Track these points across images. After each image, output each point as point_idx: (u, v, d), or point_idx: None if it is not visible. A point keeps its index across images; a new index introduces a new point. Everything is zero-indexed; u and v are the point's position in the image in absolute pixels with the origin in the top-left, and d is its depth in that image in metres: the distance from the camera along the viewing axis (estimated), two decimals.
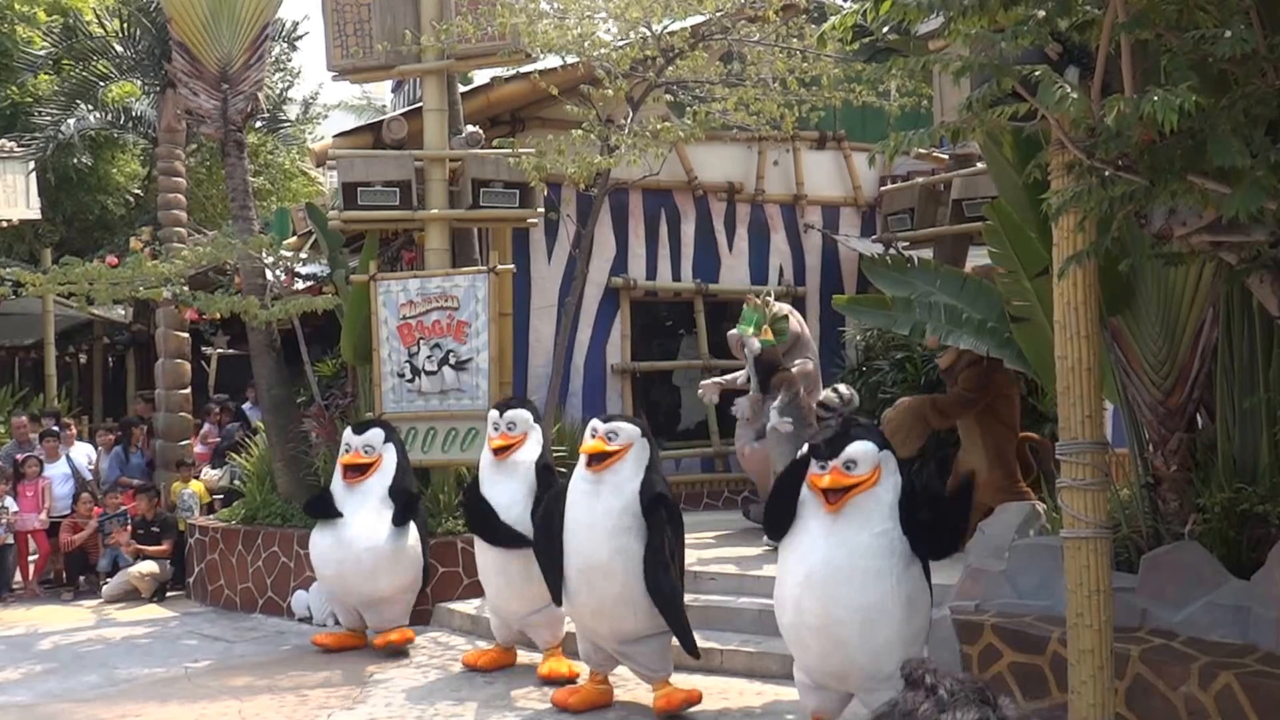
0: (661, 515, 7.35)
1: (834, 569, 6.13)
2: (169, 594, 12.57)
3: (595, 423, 7.53)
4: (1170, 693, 5.60)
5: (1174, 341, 6.43)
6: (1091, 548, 5.37)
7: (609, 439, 7.33)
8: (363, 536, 9.55)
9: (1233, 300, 6.30)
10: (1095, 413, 5.43)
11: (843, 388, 10.60)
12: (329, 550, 9.66)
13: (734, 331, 11.14)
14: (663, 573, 7.29)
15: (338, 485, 9.80)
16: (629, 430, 7.42)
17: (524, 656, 8.92)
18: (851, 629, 6.07)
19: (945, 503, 6.87)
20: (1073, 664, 5.43)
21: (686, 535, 11.05)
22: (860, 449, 6.21)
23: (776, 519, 6.58)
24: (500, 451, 8.55)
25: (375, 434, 9.84)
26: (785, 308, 11.52)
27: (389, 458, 9.79)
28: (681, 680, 8.16)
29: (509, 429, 8.59)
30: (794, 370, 10.53)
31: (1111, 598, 5.41)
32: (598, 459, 7.31)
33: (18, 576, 13.14)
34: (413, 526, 9.78)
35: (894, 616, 6.08)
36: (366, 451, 9.72)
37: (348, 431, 9.98)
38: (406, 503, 9.74)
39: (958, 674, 1.84)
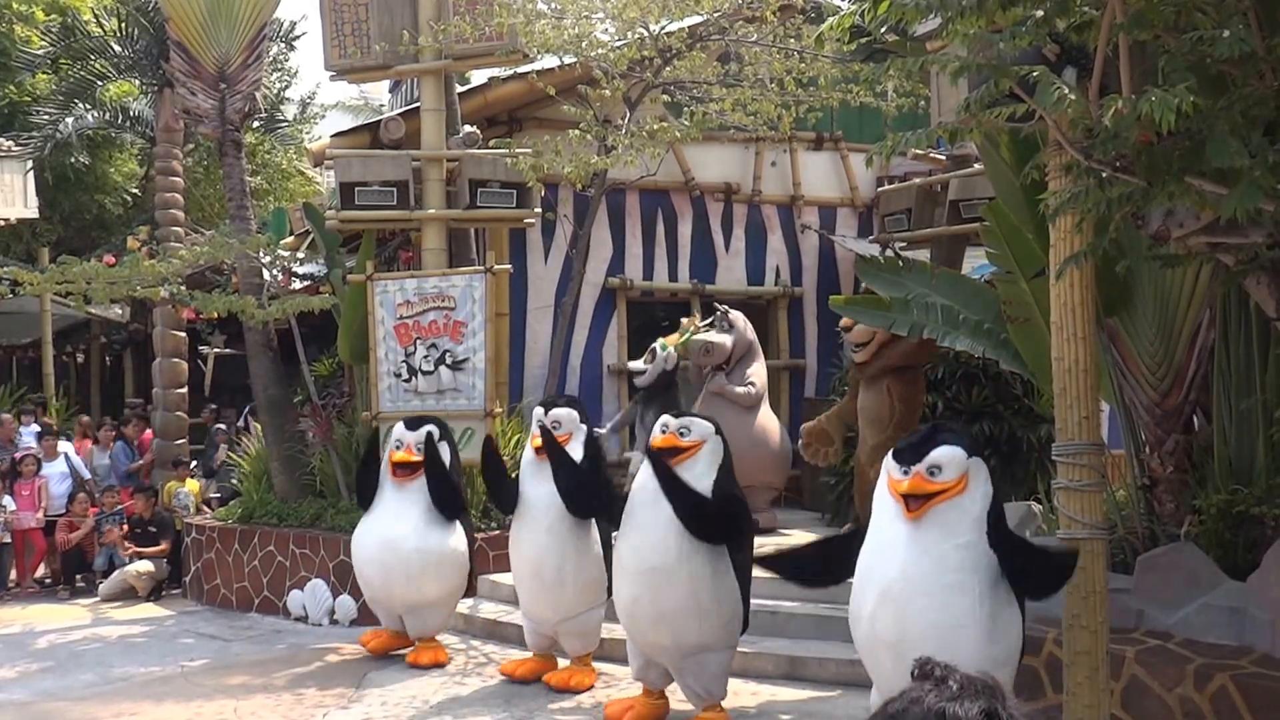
0: (735, 517, 7.03)
1: (911, 582, 5.60)
2: (165, 593, 12.55)
3: (666, 418, 7.18)
4: (1166, 694, 5.60)
5: (1171, 343, 6.44)
6: (1087, 549, 5.38)
7: (681, 435, 7.02)
8: (412, 538, 9.12)
9: (1230, 302, 6.31)
10: (1092, 414, 5.44)
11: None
12: (374, 552, 9.23)
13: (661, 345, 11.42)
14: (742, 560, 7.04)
15: (386, 483, 9.37)
16: (702, 427, 7.10)
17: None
18: (927, 647, 5.26)
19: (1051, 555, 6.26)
20: (1068, 665, 5.44)
21: None
22: (947, 454, 5.62)
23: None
24: (542, 451, 8.14)
25: (431, 428, 9.31)
26: (736, 317, 11.51)
27: (445, 455, 9.32)
28: None
29: (554, 427, 8.18)
30: (740, 390, 11.00)
31: (1107, 599, 5.43)
32: (669, 454, 6.96)
33: (13, 575, 13.11)
34: (459, 528, 9.36)
35: (974, 636, 5.46)
36: (419, 449, 9.22)
37: (399, 427, 9.45)
38: (454, 500, 9.33)
39: (970, 672, 1.85)
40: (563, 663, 8.52)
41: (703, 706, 7.19)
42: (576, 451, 8.16)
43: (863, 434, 9.68)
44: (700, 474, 6.98)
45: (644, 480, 7.13)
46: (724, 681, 7.22)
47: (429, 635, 9.27)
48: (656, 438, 7.07)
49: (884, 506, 5.84)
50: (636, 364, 11.01)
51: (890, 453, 5.87)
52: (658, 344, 11.19)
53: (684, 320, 11.58)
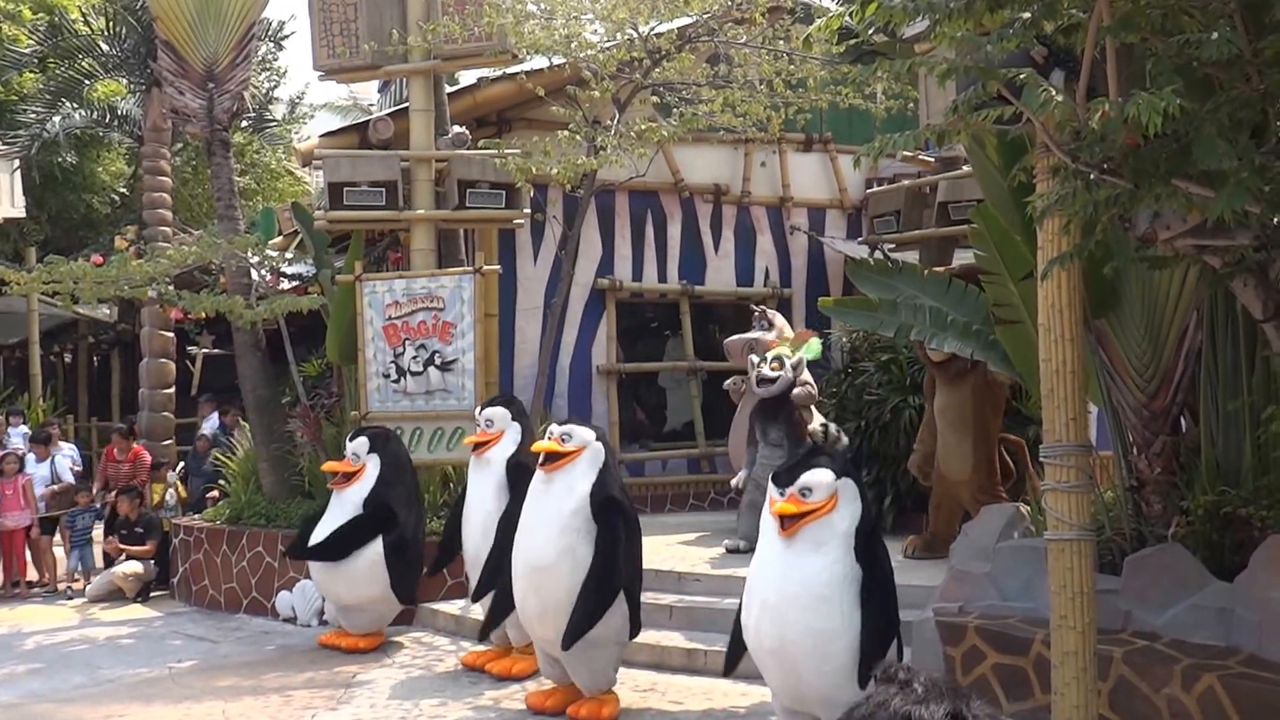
0: (614, 518, 7.30)
1: (786, 595, 6.16)
2: (153, 594, 12.51)
3: (553, 425, 7.63)
4: (1153, 694, 5.62)
5: (1158, 345, 6.45)
6: (1075, 550, 5.39)
7: (563, 440, 7.39)
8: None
9: (1216, 304, 6.32)
10: (1079, 415, 5.45)
11: (832, 427, 10.55)
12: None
13: (739, 338, 11.25)
14: (606, 574, 7.25)
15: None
16: (583, 434, 7.45)
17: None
18: (803, 653, 6.11)
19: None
20: (1056, 666, 5.45)
21: (673, 536, 11.23)
22: (816, 477, 6.21)
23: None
24: (477, 448, 8.72)
25: (360, 443, 9.86)
26: (775, 316, 11.55)
27: (371, 468, 9.75)
28: (666, 681, 8.20)
29: (486, 426, 8.73)
30: (800, 391, 10.49)
31: (1095, 600, 5.44)
32: (550, 459, 7.34)
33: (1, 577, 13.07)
34: (377, 543, 9.56)
35: (845, 642, 6.05)
36: (353, 459, 9.79)
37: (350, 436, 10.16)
38: (370, 516, 9.60)
39: (932, 674, 1.86)
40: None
41: (592, 694, 7.54)
42: (505, 449, 8.70)
43: (944, 438, 9.53)
44: (580, 476, 7.35)
45: (533, 482, 7.53)
46: (610, 675, 7.63)
47: (359, 634, 9.73)
48: (541, 443, 7.50)
49: (766, 525, 6.43)
50: (766, 371, 10.29)
51: (771, 476, 6.46)
52: (777, 352, 10.48)
53: (774, 319, 11.29)
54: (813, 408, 10.54)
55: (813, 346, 10.55)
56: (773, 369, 10.30)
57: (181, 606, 11.97)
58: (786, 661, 6.21)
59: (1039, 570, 6.01)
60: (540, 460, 7.44)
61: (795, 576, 6.16)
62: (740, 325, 12.45)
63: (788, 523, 6.18)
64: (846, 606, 6.08)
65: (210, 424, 15.17)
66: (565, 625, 7.25)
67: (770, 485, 6.40)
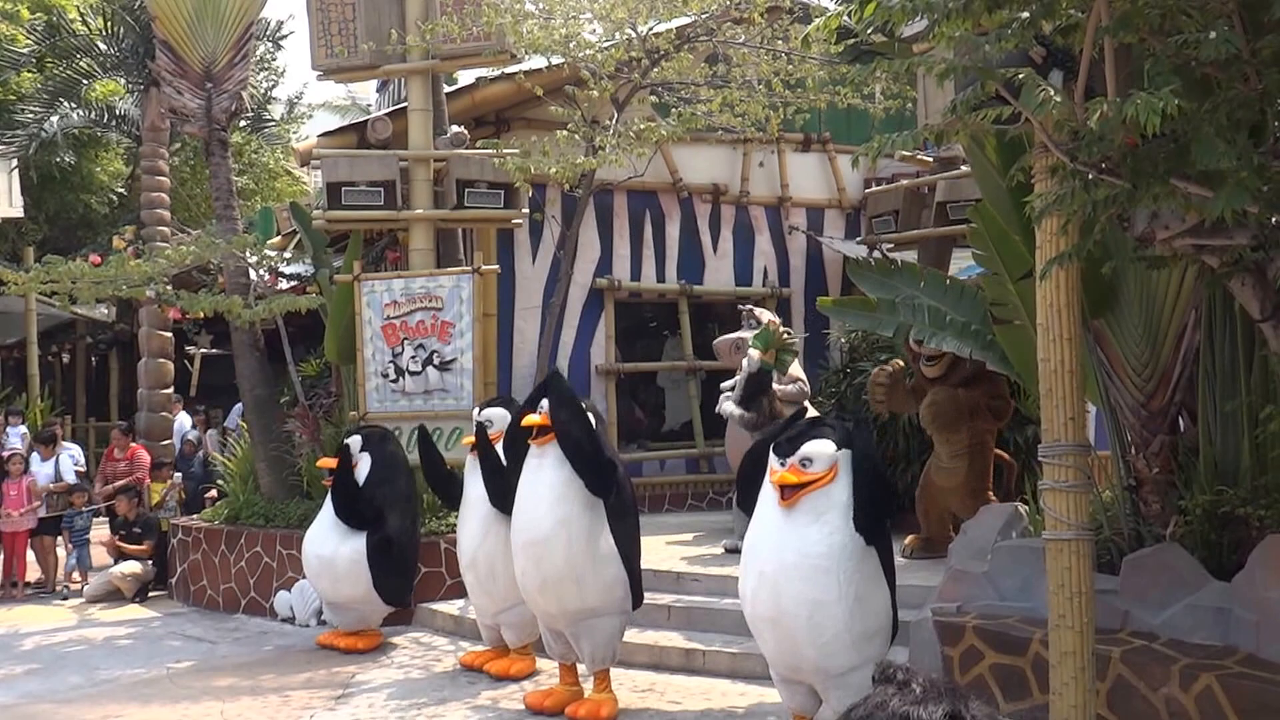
0: (608, 479, 7.41)
1: (783, 564, 6.19)
2: (151, 594, 12.51)
3: (543, 402, 7.64)
4: (1151, 694, 5.62)
5: (1156, 344, 6.45)
6: (1073, 549, 5.39)
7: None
8: (314, 541, 9.82)
9: (1215, 303, 6.32)
10: (1078, 415, 5.45)
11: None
12: (305, 549, 9.95)
13: (726, 338, 11.14)
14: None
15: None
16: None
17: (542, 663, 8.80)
18: (799, 622, 6.13)
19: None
20: (1054, 665, 5.44)
21: (672, 536, 11.24)
22: (817, 447, 6.24)
23: (743, 496, 6.93)
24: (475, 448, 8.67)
25: (354, 440, 9.94)
26: (762, 314, 11.48)
27: (362, 467, 9.78)
28: (665, 681, 8.19)
29: (486, 427, 8.64)
30: (792, 388, 10.35)
31: (1093, 599, 5.43)
32: (540, 433, 7.41)
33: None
34: (360, 541, 9.60)
35: (840, 613, 6.09)
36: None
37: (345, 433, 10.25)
38: (355, 514, 9.66)
39: (931, 675, 1.86)
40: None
41: (594, 674, 7.62)
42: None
43: (936, 437, 9.38)
44: None
45: (526, 459, 7.60)
46: (614, 647, 7.66)
47: (350, 630, 9.78)
48: (531, 418, 7.50)
49: (766, 494, 6.45)
50: (726, 384, 10.40)
51: (772, 445, 6.44)
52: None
53: (772, 321, 11.18)
54: (806, 404, 10.48)
55: (762, 335, 10.36)
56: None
57: (179, 607, 11.97)
58: (782, 630, 6.23)
59: (1037, 570, 6.01)
60: (531, 435, 7.47)
61: (793, 546, 6.18)
62: (739, 325, 12.43)
63: (788, 493, 6.20)
64: (843, 577, 6.10)
65: (179, 424, 15.21)
66: (566, 596, 7.32)
67: (771, 454, 6.40)
